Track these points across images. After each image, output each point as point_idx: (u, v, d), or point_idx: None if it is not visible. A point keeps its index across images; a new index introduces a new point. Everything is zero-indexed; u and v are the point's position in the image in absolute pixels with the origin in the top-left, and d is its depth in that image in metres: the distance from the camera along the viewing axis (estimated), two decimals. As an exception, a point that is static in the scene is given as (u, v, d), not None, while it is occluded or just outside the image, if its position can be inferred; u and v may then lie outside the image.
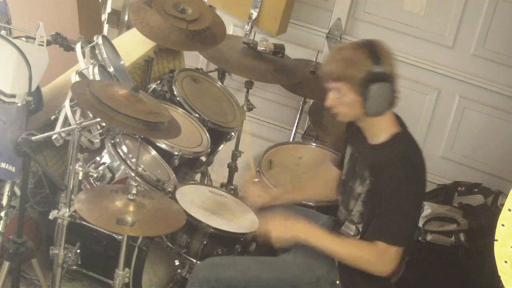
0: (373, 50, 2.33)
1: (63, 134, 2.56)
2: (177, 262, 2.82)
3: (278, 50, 3.51)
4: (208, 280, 2.43)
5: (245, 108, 3.57)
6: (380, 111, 2.37)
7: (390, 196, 2.34)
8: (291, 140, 3.89)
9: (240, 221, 2.78)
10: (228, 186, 3.62)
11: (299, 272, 2.51)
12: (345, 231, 2.55)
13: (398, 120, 2.48)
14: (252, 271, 2.50)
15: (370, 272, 2.38)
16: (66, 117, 2.60)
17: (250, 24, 3.83)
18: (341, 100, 2.38)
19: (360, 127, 2.48)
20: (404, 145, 2.41)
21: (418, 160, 2.41)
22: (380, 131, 2.43)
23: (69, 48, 2.88)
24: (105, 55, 2.92)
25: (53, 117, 2.75)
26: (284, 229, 2.45)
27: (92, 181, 2.76)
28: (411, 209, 2.38)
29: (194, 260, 2.70)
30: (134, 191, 2.37)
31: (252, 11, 3.82)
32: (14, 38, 2.71)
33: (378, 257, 2.35)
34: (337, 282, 2.48)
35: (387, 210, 2.36)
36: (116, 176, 2.77)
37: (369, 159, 2.45)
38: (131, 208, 2.36)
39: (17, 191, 2.74)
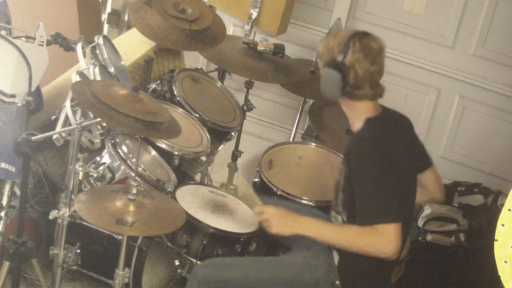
0: (348, 41, 2.41)
1: (63, 134, 2.56)
2: (177, 262, 2.81)
3: (278, 50, 3.51)
4: (207, 281, 2.44)
5: (245, 108, 3.57)
6: (328, 95, 2.49)
7: (360, 178, 2.36)
8: (291, 140, 3.89)
9: (240, 221, 2.78)
10: (228, 186, 3.62)
11: (298, 272, 2.50)
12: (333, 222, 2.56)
13: (381, 107, 2.52)
14: (251, 272, 2.50)
15: (376, 256, 2.32)
16: (66, 117, 2.60)
17: (250, 24, 3.83)
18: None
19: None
20: (370, 127, 2.45)
21: (381, 137, 2.41)
22: (356, 118, 2.49)
23: (69, 48, 2.88)
24: (106, 55, 2.92)
25: (53, 117, 2.75)
26: (284, 225, 2.45)
27: (92, 181, 2.76)
28: (386, 184, 2.34)
29: (194, 260, 2.70)
30: (134, 191, 2.37)
31: (252, 11, 3.82)
32: (14, 38, 2.71)
33: (380, 238, 2.30)
34: (337, 282, 2.48)
35: (363, 193, 2.36)
36: (116, 176, 2.77)
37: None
38: (131, 208, 2.35)
39: (17, 191, 2.74)
